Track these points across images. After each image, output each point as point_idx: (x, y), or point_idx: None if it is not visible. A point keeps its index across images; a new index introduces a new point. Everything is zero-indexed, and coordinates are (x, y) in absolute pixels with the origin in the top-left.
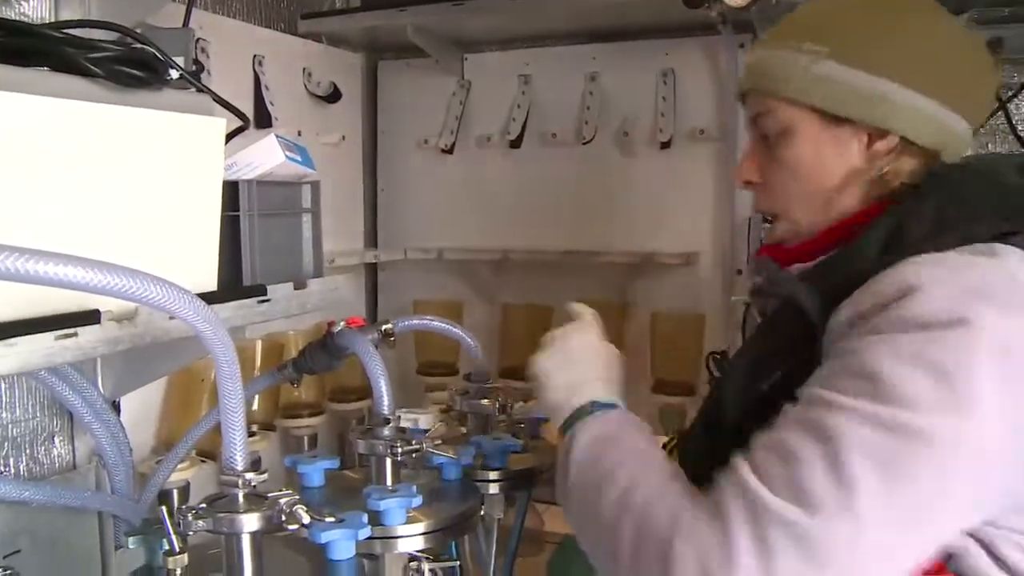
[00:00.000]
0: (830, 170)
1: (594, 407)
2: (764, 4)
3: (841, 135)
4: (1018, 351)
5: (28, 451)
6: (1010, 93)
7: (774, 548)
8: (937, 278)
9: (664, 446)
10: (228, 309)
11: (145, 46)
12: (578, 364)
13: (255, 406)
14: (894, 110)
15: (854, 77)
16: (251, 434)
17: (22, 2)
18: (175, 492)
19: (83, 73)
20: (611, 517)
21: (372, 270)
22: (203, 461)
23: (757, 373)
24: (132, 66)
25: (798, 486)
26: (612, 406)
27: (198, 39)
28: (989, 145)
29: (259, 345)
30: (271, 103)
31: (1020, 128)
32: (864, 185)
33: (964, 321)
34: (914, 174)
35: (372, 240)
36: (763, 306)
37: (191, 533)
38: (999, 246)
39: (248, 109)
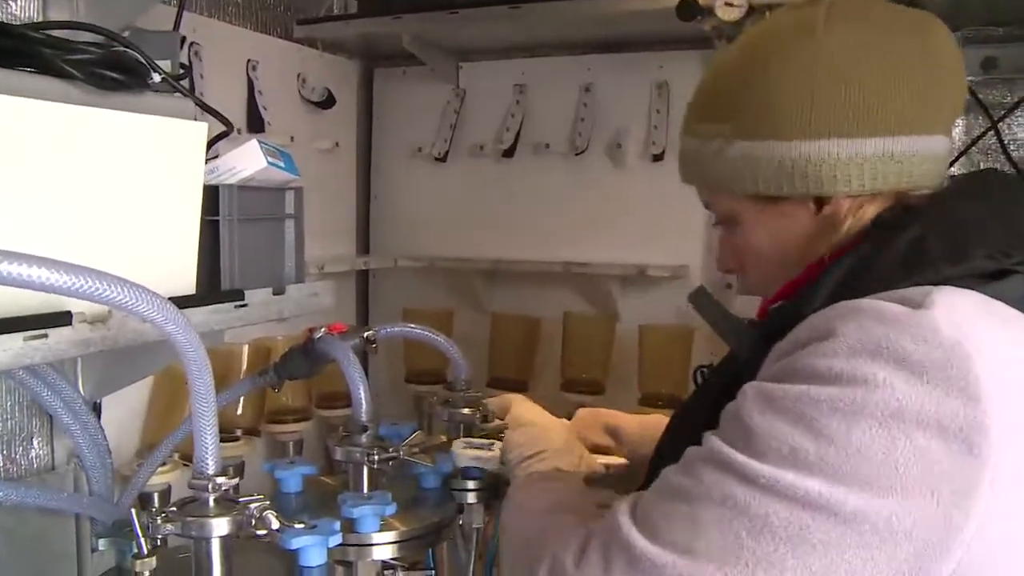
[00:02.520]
0: (788, 242)
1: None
2: (757, 18)
3: (785, 209)
4: (911, 415)
5: (6, 451)
6: (1003, 113)
7: (613, 562)
8: (846, 328)
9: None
10: (204, 313)
11: (128, 49)
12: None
13: (240, 411)
14: (821, 171)
15: (767, 150)
16: (235, 439)
17: (10, 2)
18: (156, 495)
19: (61, 75)
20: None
21: (364, 277)
22: (185, 465)
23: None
24: (112, 69)
25: (652, 515)
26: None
27: (192, 43)
28: (981, 164)
29: (245, 350)
30: (264, 108)
31: (1012, 148)
32: (832, 237)
33: (853, 380)
34: (889, 208)
35: (364, 247)
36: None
37: (160, 536)
38: (942, 290)
39: (241, 114)
